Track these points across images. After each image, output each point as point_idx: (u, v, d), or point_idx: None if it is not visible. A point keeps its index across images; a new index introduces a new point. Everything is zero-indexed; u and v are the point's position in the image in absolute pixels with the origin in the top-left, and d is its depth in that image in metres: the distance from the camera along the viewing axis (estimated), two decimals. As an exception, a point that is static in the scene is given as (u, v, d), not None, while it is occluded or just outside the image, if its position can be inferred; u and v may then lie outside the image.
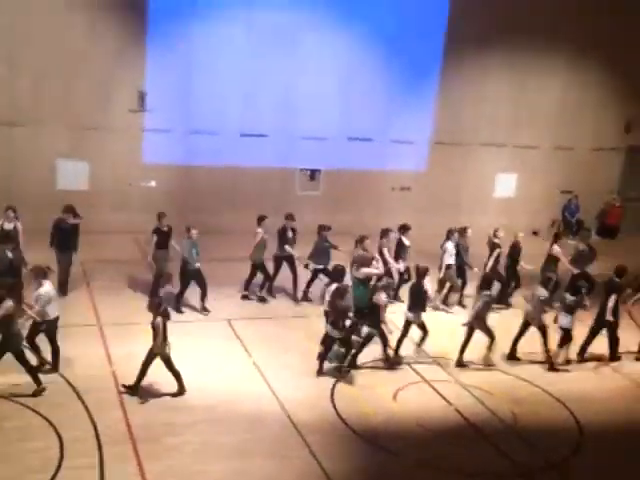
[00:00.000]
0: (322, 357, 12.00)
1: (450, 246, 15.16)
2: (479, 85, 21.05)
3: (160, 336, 10.52)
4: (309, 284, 15.01)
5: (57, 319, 11.11)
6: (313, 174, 20.41)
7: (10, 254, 12.72)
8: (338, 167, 20.29)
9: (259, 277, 15.00)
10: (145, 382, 10.99)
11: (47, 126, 17.69)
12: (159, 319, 10.54)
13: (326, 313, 12.28)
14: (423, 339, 12.88)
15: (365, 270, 13.24)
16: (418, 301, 12.69)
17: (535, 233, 21.02)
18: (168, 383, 11.15)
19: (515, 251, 15.52)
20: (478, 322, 12.57)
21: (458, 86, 20.84)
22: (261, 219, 14.94)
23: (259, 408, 10.81)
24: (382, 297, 12.22)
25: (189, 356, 12.06)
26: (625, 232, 22.39)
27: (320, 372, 11.95)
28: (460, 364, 12.66)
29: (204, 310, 14.00)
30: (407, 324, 12.78)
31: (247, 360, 12.37)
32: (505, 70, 21.17)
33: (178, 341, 12.47)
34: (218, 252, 16.30)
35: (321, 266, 14.68)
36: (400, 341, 12.73)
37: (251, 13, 18.63)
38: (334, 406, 11.03)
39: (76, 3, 17.33)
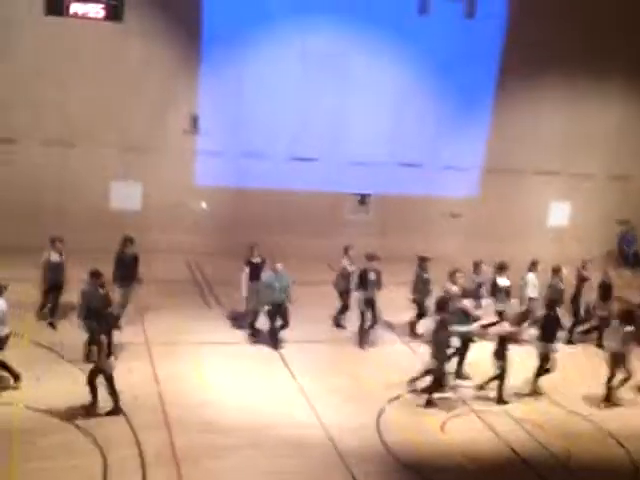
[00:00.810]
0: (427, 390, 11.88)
1: (532, 277, 14.68)
2: (533, 112, 20.78)
3: (104, 352, 10.41)
4: (419, 318, 14.46)
5: (7, 337, 11.04)
6: (363, 198, 20.34)
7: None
8: (388, 192, 20.19)
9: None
10: (191, 403, 10.99)
11: (102, 147, 18.01)
12: (102, 335, 10.42)
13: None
14: (543, 372, 12.60)
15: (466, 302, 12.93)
16: (551, 331, 12.52)
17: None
18: (213, 403, 11.13)
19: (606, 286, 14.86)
20: (619, 357, 12.23)
21: (511, 112, 20.62)
22: (347, 249, 14.48)
23: (303, 433, 10.67)
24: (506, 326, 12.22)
25: (235, 378, 12.08)
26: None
27: (430, 404, 11.79)
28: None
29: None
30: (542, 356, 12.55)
31: (293, 383, 12.26)
32: (559, 96, 20.86)
33: (226, 363, 12.59)
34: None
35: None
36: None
37: (304, 38, 18.77)
38: (380, 434, 10.82)
39: (133, 29, 17.68)
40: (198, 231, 18.84)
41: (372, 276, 13.77)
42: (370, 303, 13.86)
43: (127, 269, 13.41)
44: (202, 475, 9.41)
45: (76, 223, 17.82)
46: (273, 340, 13.41)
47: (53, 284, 13.13)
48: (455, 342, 12.54)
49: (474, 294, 13.67)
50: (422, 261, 14.49)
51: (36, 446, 9.54)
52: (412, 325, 14.51)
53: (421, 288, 14.33)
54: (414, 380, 12.14)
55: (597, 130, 21.30)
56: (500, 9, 19.88)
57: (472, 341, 12.80)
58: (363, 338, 13.91)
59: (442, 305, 12.10)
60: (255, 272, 13.75)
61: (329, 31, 18.90)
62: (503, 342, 12.06)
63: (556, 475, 10.27)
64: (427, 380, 11.96)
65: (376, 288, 13.88)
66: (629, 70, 20.87)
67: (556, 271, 14.75)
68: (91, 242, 17.37)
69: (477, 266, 14.48)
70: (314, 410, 11.37)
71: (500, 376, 12.08)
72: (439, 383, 11.87)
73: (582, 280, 14.98)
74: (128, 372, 11.70)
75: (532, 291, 14.64)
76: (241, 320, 14.25)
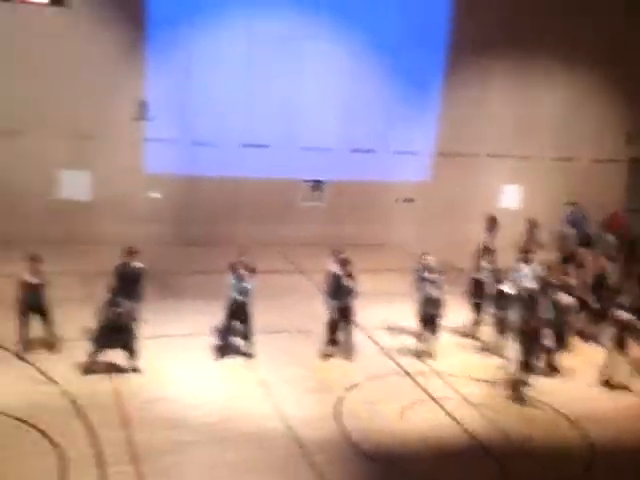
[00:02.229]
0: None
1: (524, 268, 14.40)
2: (482, 95, 21.00)
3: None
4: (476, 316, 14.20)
5: None
6: (316, 185, 20.27)
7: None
8: (341, 178, 20.17)
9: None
10: (150, 398, 10.85)
11: (48, 135, 17.54)
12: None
13: None
14: None
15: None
16: None
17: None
18: (171, 398, 11.00)
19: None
20: None
21: (461, 96, 20.79)
22: (336, 253, 13.44)
23: (263, 425, 10.62)
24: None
25: (192, 370, 11.96)
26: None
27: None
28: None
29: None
30: None
31: (251, 375, 12.19)
32: (508, 80, 21.13)
33: (182, 355, 12.43)
34: (217, 264, 16.05)
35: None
36: None
37: (252, 22, 18.56)
38: (339, 424, 10.84)
39: (79, 14, 17.20)
40: (150, 220, 18.54)
41: (346, 282, 12.82)
42: (344, 312, 12.92)
43: (129, 285, 12.23)
44: (163, 471, 9.29)
45: (25, 213, 17.41)
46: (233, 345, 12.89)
47: (30, 308, 11.86)
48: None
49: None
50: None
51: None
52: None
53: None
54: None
55: (545, 112, 21.60)
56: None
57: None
58: (346, 348, 13.05)
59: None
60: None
61: (278, 14, 18.75)
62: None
63: (515, 460, 10.41)
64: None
65: (351, 295, 12.83)
66: (574, 55, 21.18)
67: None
68: (39, 233, 17.06)
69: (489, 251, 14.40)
70: (273, 401, 11.32)
71: None
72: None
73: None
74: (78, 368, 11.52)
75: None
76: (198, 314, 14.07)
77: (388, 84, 20.21)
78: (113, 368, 11.75)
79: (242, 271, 12.55)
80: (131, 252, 12.39)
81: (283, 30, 18.81)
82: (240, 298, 12.45)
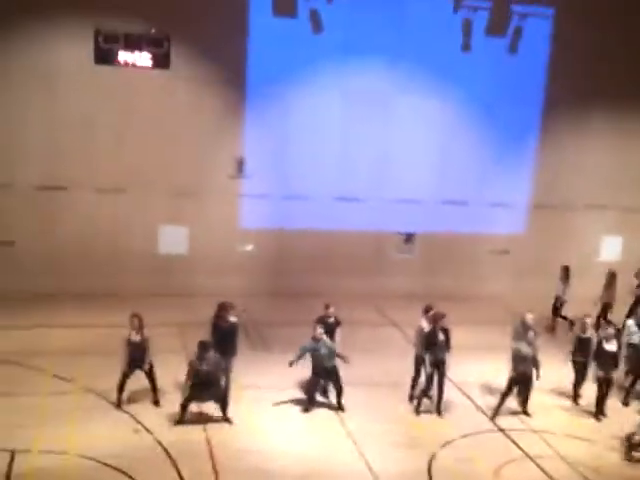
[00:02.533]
0: None
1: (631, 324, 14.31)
2: (579, 146, 20.54)
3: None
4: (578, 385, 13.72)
5: None
6: (408, 237, 20.24)
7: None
8: (433, 230, 20.07)
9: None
10: (240, 449, 10.96)
11: (150, 193, 18.31)
12: None
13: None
14: None
15: None
16: None
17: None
18: (262, 452, 11.06)
19: None
20: None
21: (557, 147, 20.41)
22: (427, 309, 13.23)
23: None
24: None
25: (282, 423, 12.02)
26: None
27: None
28: None
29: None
30: None
31: (340, 428, 12.10)
32: (606, 131, 20.57)
33: (270, 408, 12.50)
34: (308, 316, 16.18)
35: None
36: None
37: (348, 79, 18.89)
38: (432, 481, 10.60)
39: (180, 75, 18.03)
40: (244, 273, 18.94)
41: (441, 336, 12.73)
42: (437, 365, 12.76)
43: (224, 338, 12.34)
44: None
45: (127, 267, 18.12)
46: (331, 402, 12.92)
47: (133, 364, 12.24)
48: None
49: None
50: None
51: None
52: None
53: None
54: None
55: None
56: (543, 43, 19.83)
57: None
58: (420, 402, 12.89)
59: None
60: (329, 332, 12.82)
61: (373, 71, 18.99)
62: None
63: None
64: None
65: (445, 349, 12.78)
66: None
67: None
68: (140, 285, 17.74)
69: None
70: (363, 456, 11.19)
71: None
72: None
73: None
74: (173, 418, 11.76)
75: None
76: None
77: (482, 137, 20.08)
78: (205, 419, 11.95)
79: (319, 332, 12.50)
80: (226, 307, 12.59)
81: (376, 85, 19.08)
82: (328, 364, 12.46)
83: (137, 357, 12.22)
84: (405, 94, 19.29)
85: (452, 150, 19.89)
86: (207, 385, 11.74)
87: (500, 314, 17.23)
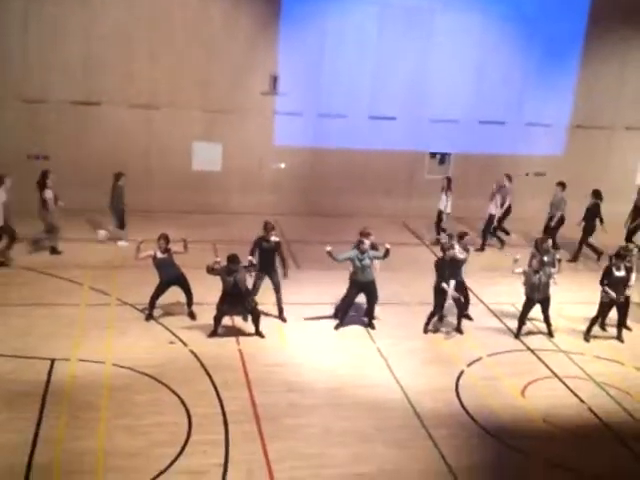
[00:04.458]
0: None
1: None
2: (621, 68, 19.96)
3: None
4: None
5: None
6: (443, 158, 20.00)
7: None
8: (468, 151, 19.79)
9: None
10: (271, 362, 11.24)
11: (183, 109, 18.23)
12: None
13: None
14: None
15: None
16: None
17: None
18: (293, 365, 11.30)
19: None
20: None
21: (599, 68, 19.85)
22: (462, 235, 13.10)
23: (381, 394, 10.72)
24: None
25: (314, 338, 12.24)
26: None
27: None
28: None
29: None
30: None
31: (371, 344, 12.31)
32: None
33: (301, 324, 12.71)
34: (340, 235, 16.21)
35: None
36: None
37: (385, -6, 18.40)
38: (459, 398, 10.77)
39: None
40: (277, 191, 18.98)
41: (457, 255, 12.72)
42: (460, 287, 12.92)
43: (267, 256, 12.82)
44: (281, 432, 9.59)
45: (161, 183, 18.25)
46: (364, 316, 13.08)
47: (166, 280, 12.55)
48: None
49: None
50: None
51: (125, 403, 9.93)
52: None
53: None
54: None
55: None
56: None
57: None
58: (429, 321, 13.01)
59: None
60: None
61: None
62: None
63: (641, 443, 10.00)
64: None
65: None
66: None
67: None
68: (175, 202, 17.89)
69: None
70: (392, 372, 11.39)
71: None
72: None
73: None
74: (208, 331, 12.05)
75: None
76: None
77: (523, 55, 19.57)
78: (238, 332, 12.22)
79: (365, 244, 12.63)
80: (268, 227, 12.94)
81: (414, 2, 18.56)
82: (363, 279, 12.58)
83: (169, 272, 12.48)
84: (445, 10, 18.75)
85: (491, 68, 19.45)
86: (237, 298, 11.94)
87: (534, 236, 17.10)
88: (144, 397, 10.11)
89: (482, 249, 17.22)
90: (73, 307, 12.71)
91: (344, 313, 12.93)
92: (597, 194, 16.90)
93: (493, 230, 17.56)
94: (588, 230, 16.95)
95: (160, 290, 12.56)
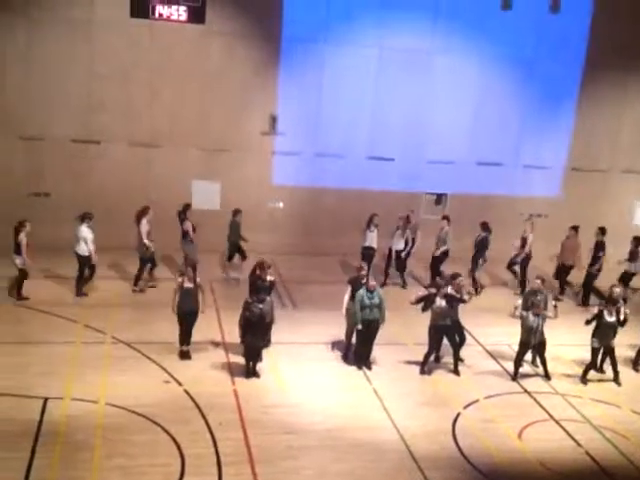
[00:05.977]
0: None
1: None
2: (618, 110, 20.19)
3: None
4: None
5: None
6: (439, 198, 20.10)
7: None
8: (465, 191, 19.91)
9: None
10: (268, 403, 11.17)
11: (183, 148, 18.37)
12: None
13: None
14: None
15: None
16: None
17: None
18: (289, 406, 11.22)
19: None
20: None
21: (595, 110, 20.07)
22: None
23: (377, 436, 10.63)
24: None
25: (310, 379, 12.18)
26: None
27: None
28: None
29: None
30: None
31: (367, 385, 12.23)
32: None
33: (297, 364, 12.65)
34: (337, 274, 16.27)
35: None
36: None
37: (383, 36, 18.66)
38: (456, 440, 10.68)
39: (213, 31, 17.94)
40: (275, 230, 19.02)
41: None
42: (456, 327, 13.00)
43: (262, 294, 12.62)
44: (276, 474, 9.50)
45: (160, 221, 18.24)
46: (359, 361, 12.97)
47: (184, 311, 12.50)
48: None
49: None
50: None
51: (118, 443, 9.83)
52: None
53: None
54: None
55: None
56: (585, 3, 19.33)
57: None
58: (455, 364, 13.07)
59: None
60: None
61: (409, 29, 18.74)
62: None
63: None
64: None
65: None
66: None
67: None
68: (172, 241, 17.87)
69: None
70: (388, 413, 11.32)
71: None
72: None
73: None
74: (208, 371, 11.98)
75: None
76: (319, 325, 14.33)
77: (519, 98, 19.79)
78: (235, 372, 12.15)
79: (372, 282, 12.65)
80: (263, 266, 13.03)
81: (413, 44, 18.82)
82: (370, 317, 12.60)
83: (188, 303, 12.36)
84: (443, 52, 19.01)
85: (488, 110, 19.63)
86: (260, 327, 11.89)
87: (532, 278, 17.09)
88: (138, 437, 10.03)
89: (477, 291, 17.09)
90: (68, 345, 12.65)
91: (348, 348, 13.05)
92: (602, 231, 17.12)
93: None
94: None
95: (181, 324, 12.52)
